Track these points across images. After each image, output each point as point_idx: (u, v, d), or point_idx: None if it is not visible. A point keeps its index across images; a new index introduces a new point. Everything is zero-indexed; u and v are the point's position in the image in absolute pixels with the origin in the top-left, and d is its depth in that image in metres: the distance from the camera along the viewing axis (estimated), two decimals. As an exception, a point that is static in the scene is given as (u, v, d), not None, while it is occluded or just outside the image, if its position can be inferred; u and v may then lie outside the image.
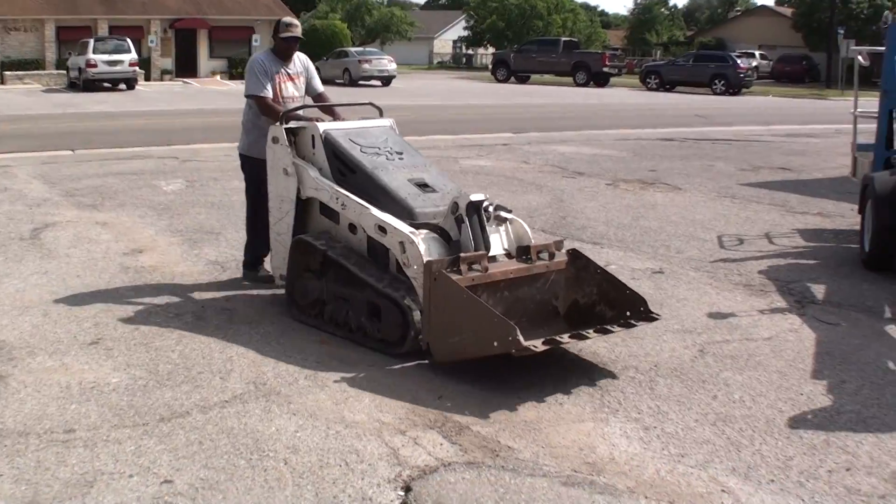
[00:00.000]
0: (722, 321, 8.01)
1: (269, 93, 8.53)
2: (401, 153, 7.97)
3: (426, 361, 6.71)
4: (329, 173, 7.74)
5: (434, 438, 5.61)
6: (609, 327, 6.77)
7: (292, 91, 8.76)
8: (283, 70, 8.69)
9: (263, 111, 8.50)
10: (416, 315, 6.82)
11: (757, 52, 75.01)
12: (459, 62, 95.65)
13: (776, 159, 20.20)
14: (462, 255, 6.72)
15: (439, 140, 21.80)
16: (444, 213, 7.15)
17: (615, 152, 20.76)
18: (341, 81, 51.21)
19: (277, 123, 8.03)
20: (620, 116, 32.44)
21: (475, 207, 6.98)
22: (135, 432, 5.54)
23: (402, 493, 4.93)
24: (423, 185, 7.61)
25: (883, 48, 12.03)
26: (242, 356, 6.92)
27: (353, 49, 57.84)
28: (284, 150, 7.91)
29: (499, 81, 61.26)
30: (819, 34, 71.28)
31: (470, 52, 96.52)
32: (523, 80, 61.91)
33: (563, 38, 66.74)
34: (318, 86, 9.05)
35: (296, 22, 8.83)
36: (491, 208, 7.10)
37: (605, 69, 59.29)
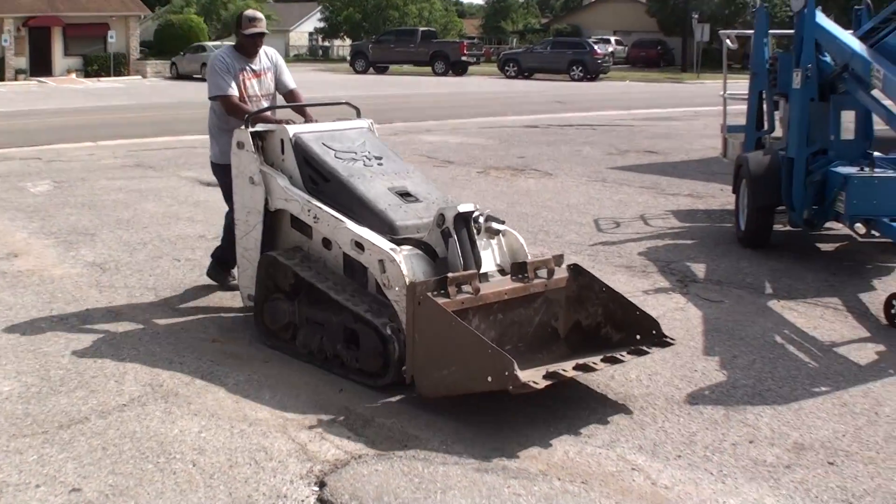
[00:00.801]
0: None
1: (234, 92, 7.88)
2: (380, 158, 7.28)
3: (414, 395, 5.99)
4: (300, 182, 7.04)
5: (340, 432, 5.59)
6: (618, 355, 5.98)
7: (258, 89, 8.12)
8: (247, 67, 8.05)
9: (230, 111, 7.85)
10: (398, 344, 6.08)
11: (612, 38, 76.21)
12: (316, 54, 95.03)
13: (641, 143, 20.55)
14: (450, 275, 5.97)
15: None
16: (428, 226, 6.48)
17: (482, 140, 20.88)
18: (199, 76, 50.47)
19: (243, 126, 7.32)
20: (483, 105, 32.64)
21: (464, 219, 6.29)
22: (35, 441, 5.38)
23: (317, 489, 4.90)
24: (404, 195, 6.92)
25: (751, 31, 12.31)
26: (135, 358, 6.77)
27: (210, 44, 56.97)
28: (250, 157, 7.19)
29: (357, 73, 61.14)
30: (673, 19, 72.61)
31: (326, 43, 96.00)
32: (382, 70, 61.95)
33: (421, 28, 66.94)
34: (290, 82, 8.39)
35: (259, 16, 8.21)
36: (481, 219, 6.41)
37: (464, 58, 59.80)
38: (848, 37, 9.69)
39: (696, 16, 59.58)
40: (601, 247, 10.33)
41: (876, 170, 9.36)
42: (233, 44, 8.29)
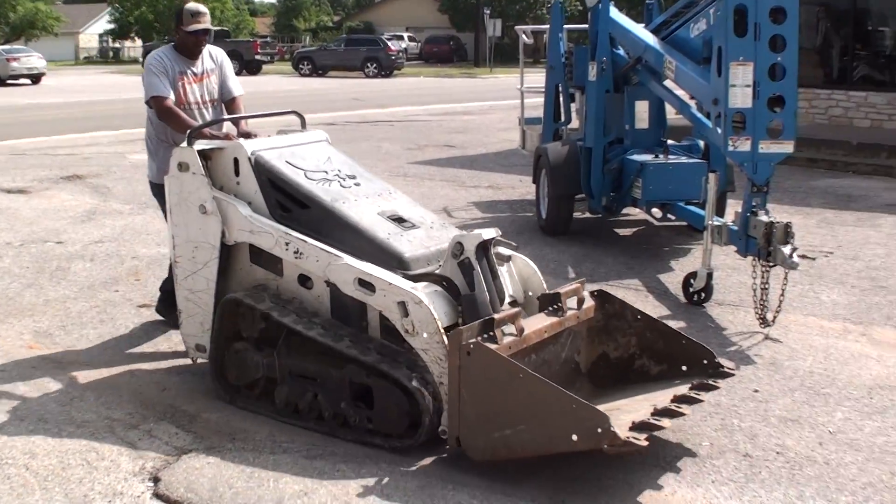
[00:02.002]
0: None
1: (169, 94, 6.88)
2: (353, 177, 6.30)
3: (444, 455, 5.26)
4: (264, 208, 5.92)
5: (168, 429, 5.63)
6: (693, 394, 5.33)
7: (200, 94, 7.13)
8: (188, 70, 7.06)
9: (163, 116, 6.86)
10: (429, 399, 5.21)
11: (405, 35, 76.75)
12: (107, 56, 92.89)
13: (439, 137, 20.86)
14: (496, 316, 5.17)
15: (101, 136, 21.22)
16: (436, 257, 5.72)
17: (283, 138, 20.78)
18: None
19: (185, 144, 6.09)
20: (280, 104, 32.37)
21: (484, 248, 5.55)
22: None
23: (152, 485, 4.94)
24: (398, 220, 5.96)
25: (546, 26, 12.69)
26: (-52, 364, 6.62)
27: (-1, 47, 55.21)
28: (199, 181, 5.95)
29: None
30: (465, 15, 73.63)
31: (117, 45, 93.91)
32: (175, 70, 60.98)
33: (214, 28, 65.81)
34: (235, 88, 7.37)
35: (204, 9, 7.13)
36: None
37: (258, 57, 59.37)
38: (641, 30, 10.12)
39: (488, 11, 60.60)
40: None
41: (670, 156, 9.83)
42: (172, 43, 7.20)
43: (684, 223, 10.12)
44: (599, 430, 4.61)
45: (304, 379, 5.68)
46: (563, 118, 11.95)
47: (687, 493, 4.86)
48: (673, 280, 8.65)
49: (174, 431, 5.59)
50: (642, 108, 10.43)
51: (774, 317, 7.30)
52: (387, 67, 54.30)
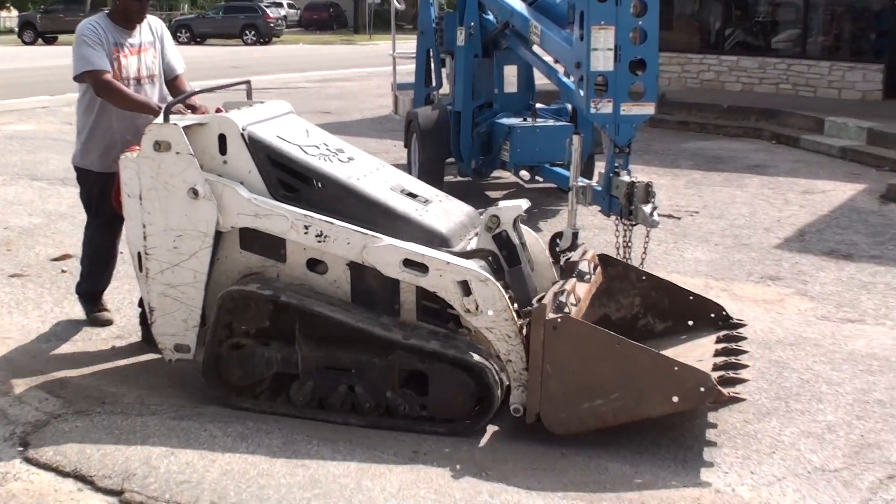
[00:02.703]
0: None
1: (108, 67, 6.13)
2: (342, 151, 5.93)
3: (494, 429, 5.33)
4: (262, 189, 5.44)
5: (38, 395, 5.64)
6: (737, 347, 5.64)
7: (137, 69, 6.32)
8: (125, 42, 6.26)
9: (104, 93, 6.10)
10: (499, 379, 5.19)
11: (285, 2, 75.94)
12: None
13: (316, 104, 20.79)
14: (566, 287, 5.34)
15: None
16: (461, 232, 5.67)
17: (159, 105, 20.54)
18: None
19: (160, 119, 5.45)
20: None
21: (517, 220, 5.56)
22: None
23: (22, 449, 4.97)
24: (411, 196, 5.77)
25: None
26: None
27: None
28: (186, 162, 5.36)
29: (26, 44, 58.59)
30: (344, -18, 73.14)
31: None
32: (51, 41, 59.65)
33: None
34: (178, 64, 6.65)
35: None
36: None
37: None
38: (509, -5, 10.23)
39: (367, -21, 60.34)
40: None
41: (538, 120, 9.98)
42: (106, 11, 6.43)
43: (552, 185, 10.29)
44: (703, 389, 4.85)
45: (334, 371, 5.37)
46: (434, 83, 12.05)
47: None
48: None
49: (44, 397, 5.61)
50: (511, 73, 10.59)
51: (637, 274, 7.48)
52: (265, 35, 53.75)
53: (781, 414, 5.53)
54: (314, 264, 5.47)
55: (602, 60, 7.40)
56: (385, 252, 5.21)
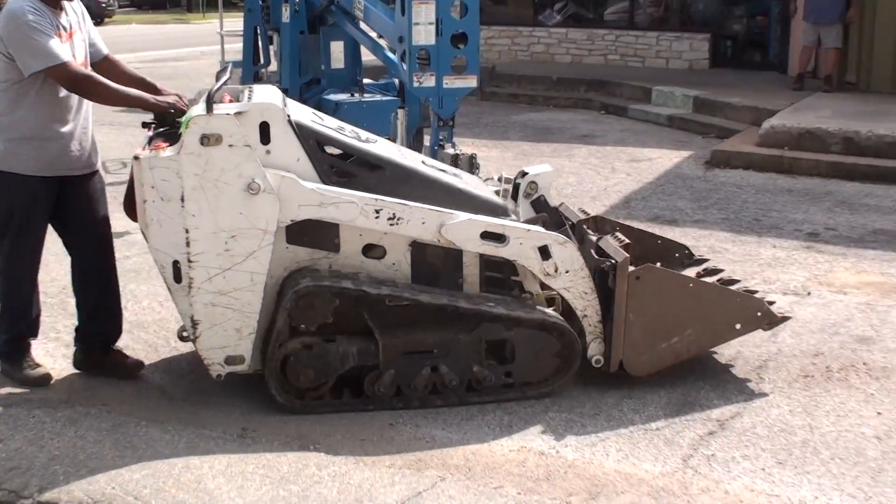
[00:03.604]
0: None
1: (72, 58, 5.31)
2: (358, 132, 5.70)
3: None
4: (314, 176, 5.15)
5: None
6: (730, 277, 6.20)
7: (74, 56, 5.36)
8: (59, 25, 5.33)
9: (82, 87, 5.29)
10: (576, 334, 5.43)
11: (114, -18, 74.41)
12: None
13: (148, 85, 20.39)
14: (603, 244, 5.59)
15: None
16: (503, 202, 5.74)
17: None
18: None
19: (202, 110, 4.89)
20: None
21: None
22: None
23: None
24: (444, 172, 5.80)
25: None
26: None
27: None
28: (242, 154, 4.90)
29: None
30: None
31: None
32: None
33: None
34: (102, 44, 5.72)
35: None
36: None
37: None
38: (332, -29, 10.20)
39: (198, -44, 59.42)
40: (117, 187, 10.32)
41: (365, 95, 9.98)
42: None
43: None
44: (759, 314, 5.62)
45: (418, 355, 5.26)
46: (261, 60, 11.97)
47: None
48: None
49: None
50: (338, 49, 10.57)
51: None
52: (97, 15, 52.21)
53: (600, 381, 5.62)
54: (376, 251, 5.33)
55: (424, 34, 7.46)
56: (464, 227, 5.25)
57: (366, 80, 10.65)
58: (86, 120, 5.52)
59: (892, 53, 14.88)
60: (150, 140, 5.22)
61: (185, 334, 5.23)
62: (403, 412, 5.21)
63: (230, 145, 4.86)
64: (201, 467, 4.66)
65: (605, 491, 4.50)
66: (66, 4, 5.39)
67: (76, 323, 5.78)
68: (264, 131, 5.02)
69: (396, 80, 10.31)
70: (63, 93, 5.32)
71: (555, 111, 16.06)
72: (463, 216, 5.27)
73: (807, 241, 8.53)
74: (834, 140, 11.66)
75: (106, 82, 5.30)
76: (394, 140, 8.93)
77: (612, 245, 5.52)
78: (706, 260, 6.51)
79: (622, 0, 19.99)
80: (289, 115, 5.11)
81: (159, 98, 5.39)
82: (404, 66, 7.67)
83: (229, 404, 5.32)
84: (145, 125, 5.47)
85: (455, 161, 7.25)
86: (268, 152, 5.02)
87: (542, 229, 5.42)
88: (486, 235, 5.29)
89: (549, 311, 5.46)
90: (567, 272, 5.37)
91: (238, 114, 4.94)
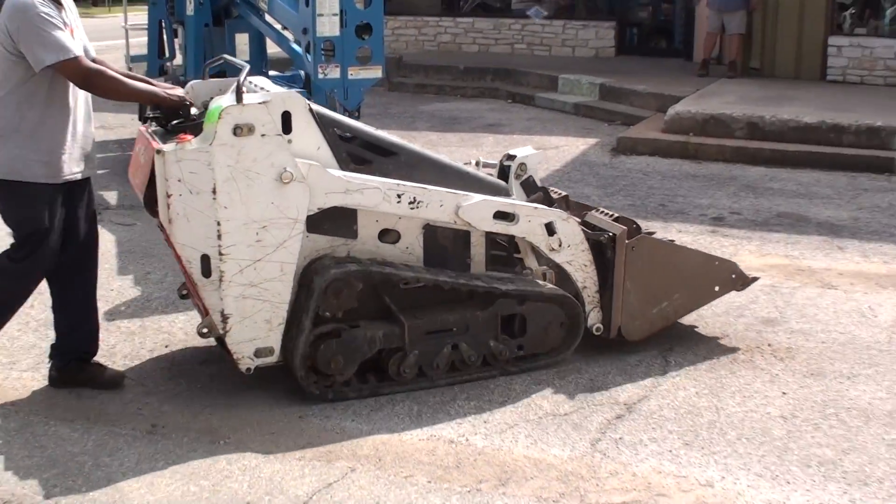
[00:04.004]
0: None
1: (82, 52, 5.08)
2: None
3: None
4: (334, 164, 5.16)
5: None
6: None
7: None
8: (64, 20, 5.05)
9: (94, 82, 5.03)
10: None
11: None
12: None
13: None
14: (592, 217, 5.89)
15: None
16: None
17: None
18: None
19: (231, 101, 4.85)
20: None
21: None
22: None
23: None
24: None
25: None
26: None
27: None
28: (275, 143, 4.91)
29: None
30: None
31: None
32: None
33: None
34: (91, 46, 5.34)
35: None
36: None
37: None
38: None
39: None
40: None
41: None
42: None
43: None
44: (734, 276, 6.05)
45: (440, 333, 5.41)
46: (167, 54, 11.86)
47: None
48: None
49: None
50: (243, 41, 10.50)
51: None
52: None
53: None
54: (390, 236, 5.41)
55: (328, 25, 7.44)
56: (479, 208, 5.45)
57: (271, 73, 10.58)
58: (89, 120, 5.30)
59: (795, 39, 15.15)
60: (163, 134, 5.16)
61: (184, 293, 5.51)
62: (313, 404, 5.19)
63: (262, 135, 4.85)
64: (111, 465, 4.63)
65: (514, 477, 4.54)
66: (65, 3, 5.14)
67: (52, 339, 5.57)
68: (286, 121, 4.97)
69: (302, 72, 10.25)
70: (72, 92, 5.11)
71: (462, 101, 16.07)
72: (477, 197, 5.45)
73: (712, 225, 8.66)
74: (738, 125, 11.83)
75: (118, 77, 5.13)
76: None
77: (604, 219, 5.83)
78: (653, 233, 6.47)
79: (528, -11, 20.08)
80: (309, 104, 5.09)
81: (170, 92, 5.25)
82: (309, 58, 7.64)
83: (138, 401, 5.27)
84: (146, 120, 5.35)
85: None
86: (289, 141, 4.98)
87: (546, 207, 5.69)
88: (498, 215, 5.52)
89: (552, 285, 5.69)
90: (569, 246, 5.67)
91: (261, 104, 4.90)
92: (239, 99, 4.83)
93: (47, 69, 4.90)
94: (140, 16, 14.32)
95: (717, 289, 6.05)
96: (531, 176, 5.86)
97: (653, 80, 15.09)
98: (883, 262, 7.69)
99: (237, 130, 4.79)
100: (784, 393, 5.40)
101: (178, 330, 6.03)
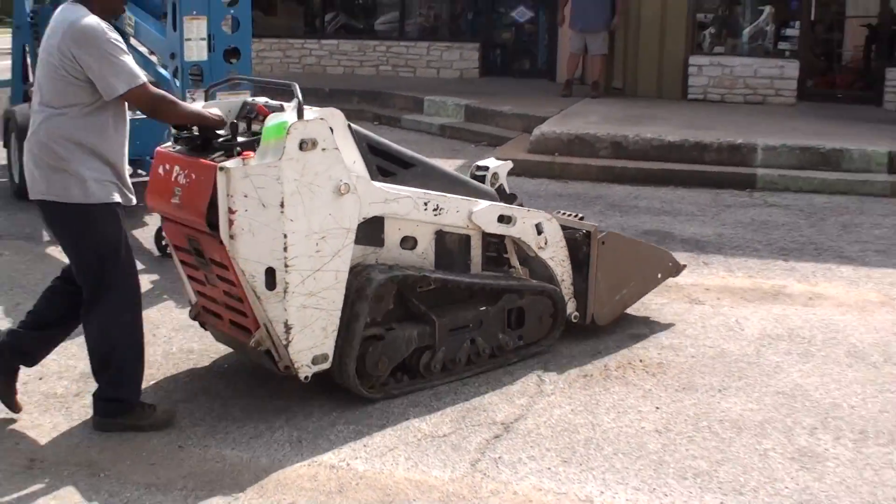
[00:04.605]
0: None
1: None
2: None
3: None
4: (366, 175, 5.38)
5: None
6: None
7: None
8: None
9: (159, 107, 5.11)
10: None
11: None
12: None
13: None
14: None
15: None
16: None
17: None
18: None
19: (293, 117, 5.05)
20: None
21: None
22: None
23: None
24: None
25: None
26: None
27: None
28: (333, 157, 5.12)
29: None
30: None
31: None
32: None
33: None
34: None
35: None
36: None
37: None
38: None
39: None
40: None
41: (137, 113, 9.78)
42: (75, 3, 5.05)
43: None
44: (671, 264, 6.91)
45: (461, 330, 5.87)
46: (31, 79, 11.61)
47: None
48: (146, 234, 8.68)
49: None
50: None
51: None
52: None
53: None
54: (409, 243, 5.73)
55: (196, 50, 7.40)
56: (487, 213, 5.94)
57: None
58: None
59: (657, 59, 15.52)
60: (188, 153, 5.29)
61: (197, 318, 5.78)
62: (193, 434, 5.14)
63: (323, 149, 5.07)
64: (-14, 502, 4.51)
65: (397, 500, 4.55)
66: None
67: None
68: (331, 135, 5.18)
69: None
70: (127, 114, 5.15)
71: (328, 123, 15.99)
72: (485, 203, 5.97)
73: (580, 243, 8.77)
74: (603, 145, 12.05)
75: (176, 101, 5.26)
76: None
77: (572, 220, 6.55)
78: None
79: (392, 10, 20.17)
80: (347, 121, 5.33)
81: (212, 112, 5.30)
82: (177, 83, 7.57)
83: (14, 436, 5.13)
84: (178, 139, 5.45)
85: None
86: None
87: (535, 210, 6.26)
88: (500, 218, 6.01)
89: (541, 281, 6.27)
90: (552, 244, 6.24)
91: (321, 119, 5.12)
92: (301, 115, 5.04)
93: (130, 95, 4.93)
94: (3, 40, 14.06)
95: (659, 276, 6.85)
96: (502, 184, 6.40)
97: (518, 101, 15.27)
98: (747, 277, 7.91)
99: (303, 145, 4.99)
100: (657, 407, 5.52)
101: (52, 361, 5.89)
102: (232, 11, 7.52)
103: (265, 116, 5.20)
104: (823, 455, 4.98)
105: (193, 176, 5.12)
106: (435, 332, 5.70)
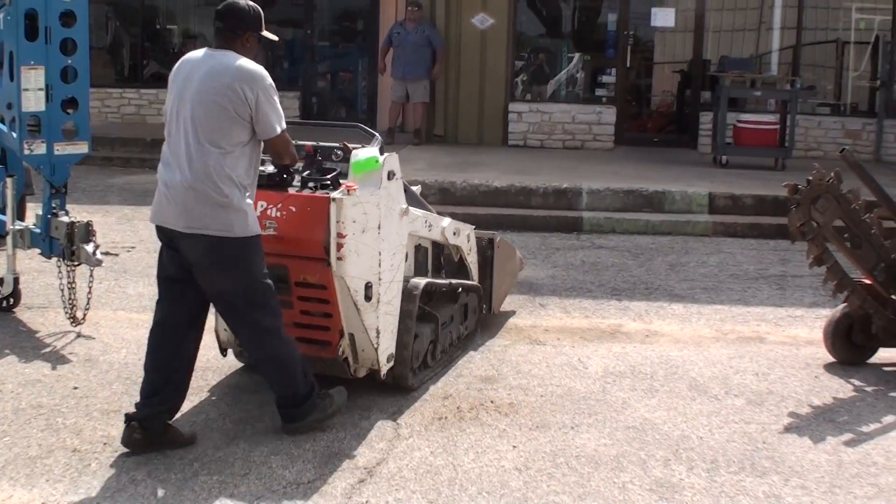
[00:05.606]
0: None
1: None
2: None
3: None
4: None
5: None
6: None
7: None
8: None
9: (289, 148, 5.54)
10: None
11: None
12: None
13: None
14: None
15: None
16: None
17: None
18: None
19: (375, 153, 5.89)
20: None
21: None
22: None
23: None
24: None
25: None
26: None
27: None
28: (399, 185, 6.20)
29: None
30: None
31: None
32: None
33: None
34: None
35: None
36: None
37: None
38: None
39: None
40: None
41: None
42: (235, 53, 5.46)
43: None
44: (521, 261, 8.52)
45: (444, 324, 6.89)
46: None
47: (24, 496, 4.83)
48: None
49: None
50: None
51: (84, 314, 7.39)
52: None
53: (248, 436, 5.67)
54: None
55: (34, 101, 7.26)
56: (450, 227, 7.01)
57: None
58: None
59: (477, 106, 15.84)
60: (289, 186, 5.94)
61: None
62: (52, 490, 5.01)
63: (398, 179, 6.10)
64: None
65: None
66: None
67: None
68: (389, 174, 6.02)
69: (-1, 148, 9.92)
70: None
71: (151, 173, 15.56)
72: (447, 219, 7.01)
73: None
74: (431, 191, 12.17)
75: (291, 143, 5.63)
76: (2, 210, 8.54)
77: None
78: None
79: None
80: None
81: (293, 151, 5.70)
82: (14, 134, 7.40)
83: None
84: (273, 177, 5.91)
85: (72, 229, 7.11)
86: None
87: (464, 223, 7.37)
88: (454, 232, 7.07)
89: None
90: (474, 250, 7.43)
91: (394, 154, 6.17)
92: (382, 151, 5.96)
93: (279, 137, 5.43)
94: None
95: (518, 270, 8.44)
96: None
97: (342, 149, 15.29)
98: (584, 317, 8.14)
99: (390, 175, 5.97)
100: (514, 446, 5.62)
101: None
102: (69, 61, 7.39)
103: (348, 153, 6.00)
104: (679, 485, 5.17)
105: (294, 209, 5.76)
106: (437, 327, 6.70)
